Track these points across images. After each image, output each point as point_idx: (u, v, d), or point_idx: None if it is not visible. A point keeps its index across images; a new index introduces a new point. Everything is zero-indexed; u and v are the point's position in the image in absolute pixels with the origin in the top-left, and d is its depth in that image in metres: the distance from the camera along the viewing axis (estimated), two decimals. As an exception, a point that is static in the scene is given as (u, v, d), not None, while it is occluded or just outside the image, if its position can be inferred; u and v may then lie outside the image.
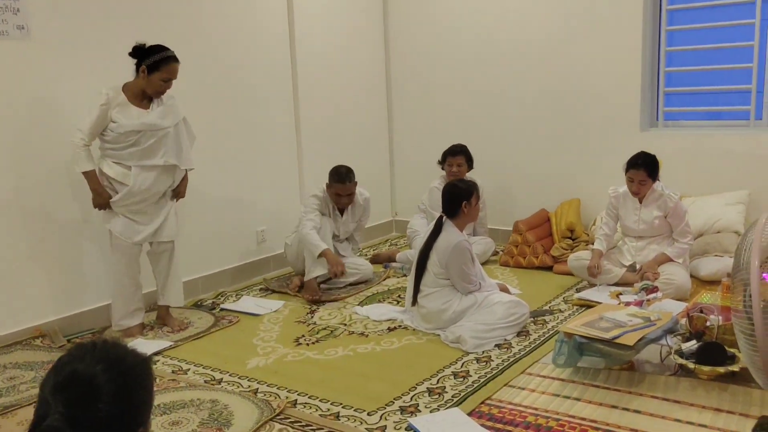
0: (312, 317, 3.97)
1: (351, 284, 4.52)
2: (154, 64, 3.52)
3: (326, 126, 5.39)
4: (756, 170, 4.59)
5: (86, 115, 3.49)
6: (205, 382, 3.12)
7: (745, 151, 4.63)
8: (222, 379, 3.15)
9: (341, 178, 4.42)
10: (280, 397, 2.92)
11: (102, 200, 3.58)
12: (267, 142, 4.95)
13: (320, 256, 4.29)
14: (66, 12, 3.75)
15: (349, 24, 5.64)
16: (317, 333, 3.71)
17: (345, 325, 3.82)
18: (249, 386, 3.05)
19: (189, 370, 3.28)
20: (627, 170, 4.08)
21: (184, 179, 3.85)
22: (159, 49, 3.54)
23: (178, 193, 3.83)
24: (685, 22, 5.17)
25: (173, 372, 3.25)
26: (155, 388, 3.00)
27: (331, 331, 3.72)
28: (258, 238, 4.94)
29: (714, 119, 5.07)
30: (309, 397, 2.91)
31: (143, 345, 3.49)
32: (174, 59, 3.57)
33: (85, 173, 3.53)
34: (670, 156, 4.68)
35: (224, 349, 3.53)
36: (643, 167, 4.03)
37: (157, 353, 3.45)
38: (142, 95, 3.60)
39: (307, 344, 3.55)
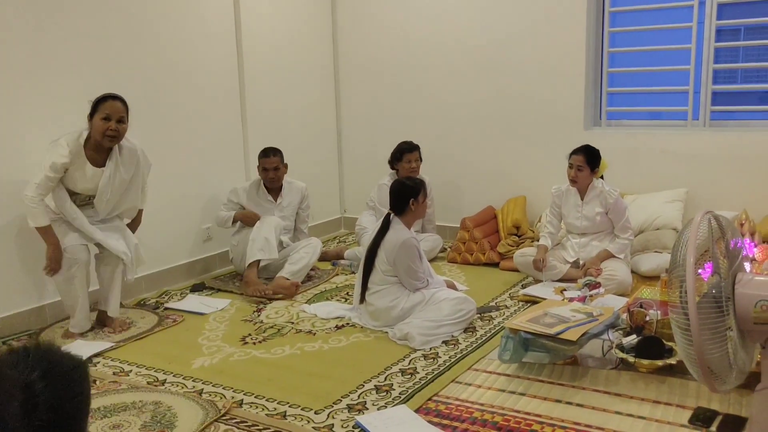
0: (259, 316, 3.93)
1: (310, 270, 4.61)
2: (93, 108, 3.42)
3: (274, 123, 5.33)
4: (693, 169, 4.75)
5: (42, 170, 3.37)
6: (148, 383, 3.06)
7: (683, 151, 4.78)
8: (166, 380, 3.09)
9: (266, 153, 4.63)
10: (225, 397, 2.88)
11: (60, 256, 3.46)
12: (213, 139, 4.87)
13: (234, 221, 4.58)
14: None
15: (297, 21, 5.59)
16: (264, 332, 3.67)
17: (292, 323, 3.79)
18: (194, 387, 3.00)
19: (131, 371, 3.20)
20: (569, 157, 4.23)
21: (136, 220, 3.87)
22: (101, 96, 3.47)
23: (131, 227, 3.84)
24: (627, 24, 5.31)
25: (114, 374, 3.17)
26: (95, 391, 2.92)
27: (278, 330, 3.69)
28: (203, 235, 4.86)
29: (654, 119, 5.23)
30: (255, 397, 2.88)
31: (82, 347, 3.39)
32: (112, 97, 3.44)
33: (40, 228, 3.42)
34: (613, 154, 4.79)
35: (168, 349, 3.46)
36: (582, 152, 4.19)
37: (96, 355, 3.36)
38: (98, 146, 3.48)
39: (254, 343, 3.51)
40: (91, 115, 3.43)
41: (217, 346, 3.48)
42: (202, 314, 3.94)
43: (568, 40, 5.01)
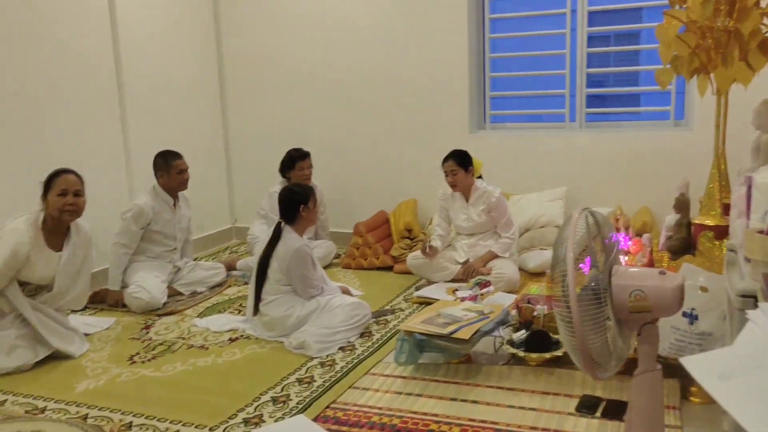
0: (147, 333, 3.77)
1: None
2: (45, 186, 3.29)
3: (157, 132, 5.13)
4: (571, 168, 4.99)
5: (0, 256, 3.16)
6: (26, 412, 2.85)
7: (561, 151, 5.02)
8: (46, 407, 2.90)
9: (178, 153, 4.40)
10: (113, 420, 2.74)
11: None
12: (92, 149, 4.60)
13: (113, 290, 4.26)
14: None
15: (177, 23, 5.43)
16: (153, 349, 3.52)
17: (183, 338, 3.66)
18: (78, 412, 2.83)
19: (6, 400, 2.98)
20: (442, 166, 4.36)
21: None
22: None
23: None
24: (506, 31, 5.52)
25: (-12, 404, 2.95)
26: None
27: (169, 346, 3.55)
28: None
29: (535, 122, 5.45)
30: (146, 418, 2.75)
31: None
32: (65, 171, 3.34)
33: None
34: (497, 156, 4.97)
35: (48, 374, 3.25)
36: (452, 158, 4.33)
37: (-32, 385, 3.11)
38: (54, 228, 3.33)
39: (143, 362, 3.36)
40: (45, 194, 3.29)
41: (103, 367, 3.30)
42: (85, 335, 3.73)
43: (451, 46, 5.14)
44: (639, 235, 3.75)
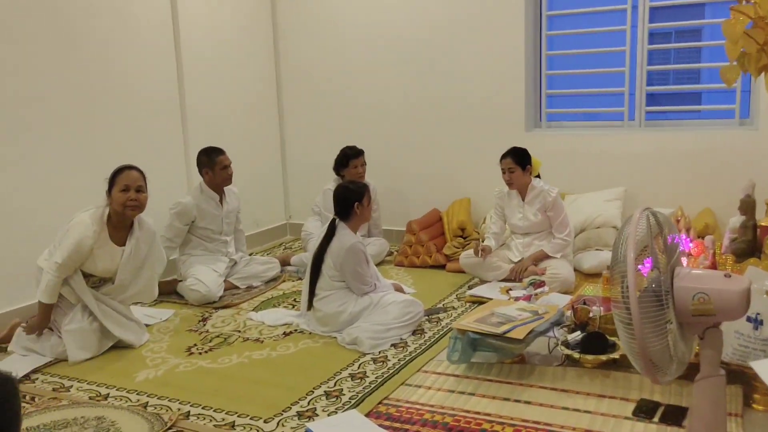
0: (204, 325, 3.85)
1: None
2: (110, 182, 3.42)
3: (215, 130, 5.22)
4: (630, 168, 4.88)
5: (66, 247, 3.31)
6: (90, 398, 2.96)
7: (620, 150, 4.91)
8: (108, 394, 2.99)
9: (221, 150, 4.46)
10: (171, 409, 2.81)
11: (43, 326, 3.41)
12: (153, 148, 4.72)
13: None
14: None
15: (236, 25, 5.52)
16: (210, 341, 3.60)
17: (239, 331, 3.73)
18: (138, 400, 2.91)
19: (72, 386, 3.09)
20: (500, 163, 4.31)
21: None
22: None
23: None
24: (564, 28, 5.43)
25: (54, 390, 3.06)
26: (33, 409, 2.81)
27: (225, 339, 3.62)
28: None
29: (592, 120, 5.36)
30: (203, 408, 2.81)
31: (16, 362, 3.27)
32: (127, 168, 3.45)
33: (43, 304, 3.36)
34: (553, 155, 4.89)
35: (111, 362, 3.36)
36: (510, 155, 4.28)
37: (35, 371, 3.24)
38: (119, 223, 3.46)
39: (200, 353, 3.44)
40: (110, 190, 3.42)
41: (162, 358, 3.39)
42: (145, 326, 3.84)
43: (508, 44, 5.09)
44: (701, 237, 3.65)
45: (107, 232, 3.43)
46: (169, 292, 4.36)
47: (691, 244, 3.33)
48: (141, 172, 3.49)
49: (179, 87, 4.96)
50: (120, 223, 3.48)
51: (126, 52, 4.55)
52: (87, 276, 3.46)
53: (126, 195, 3.39)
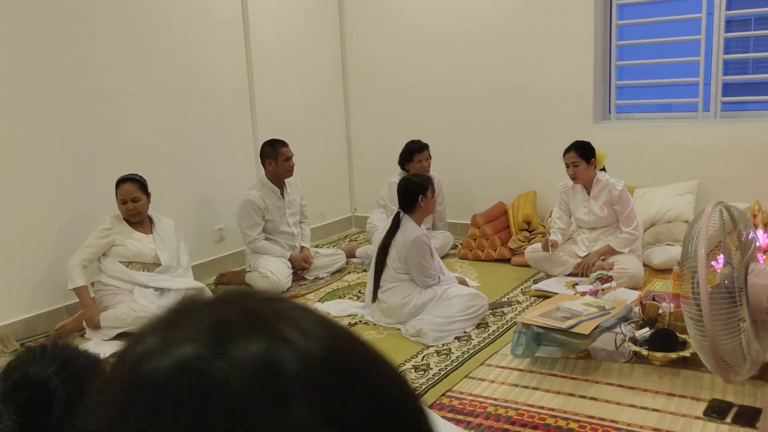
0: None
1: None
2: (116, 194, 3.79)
3: (283, 123, 5.33)
4: (704, 161, 4.72)
5: (88, 243, 3.73)
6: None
7: (693, 143, 4.76)
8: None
9: (283, 141, 4.53)
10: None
11: (91, 313, 3.65)
12: (223, 139, 4.86)
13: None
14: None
15: (305, 18, 5.60)
16: (277, 330, 3.68)
17: (305, 321, 3.80)
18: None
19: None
20: (563, 157, 4.23)
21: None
22: None
23: None
24: (635, 17, 5.28)
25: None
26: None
27: (292, 328, 3.70)
28: (216, 236, 4.88)
29: (663, 111, 5.20)
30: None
31: (99, 346, 3.43)
32: (123, 180, 3.78)
33: (76, 289, 3.68)
34: (622, 148, 4.78)
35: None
36: (573, 149, 4.18)
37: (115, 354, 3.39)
38: (136, 222, 3.88)
39: (268, 342, 3.53)
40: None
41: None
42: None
43: (576, 34, 4.99)
44: (779, 232, 3.51)
45: (126, 225, 3.83)
46: (239, 282, 4.49)
47: (768, 240, 3.21)
48: (136, 181, 3.81)
49: (248, 79, 5.08)
50: (137, 222, 3.88)
51: (198, 47, 4.68)
52: (129, 265, 3.83)
53: (125, 207, 3.79)
